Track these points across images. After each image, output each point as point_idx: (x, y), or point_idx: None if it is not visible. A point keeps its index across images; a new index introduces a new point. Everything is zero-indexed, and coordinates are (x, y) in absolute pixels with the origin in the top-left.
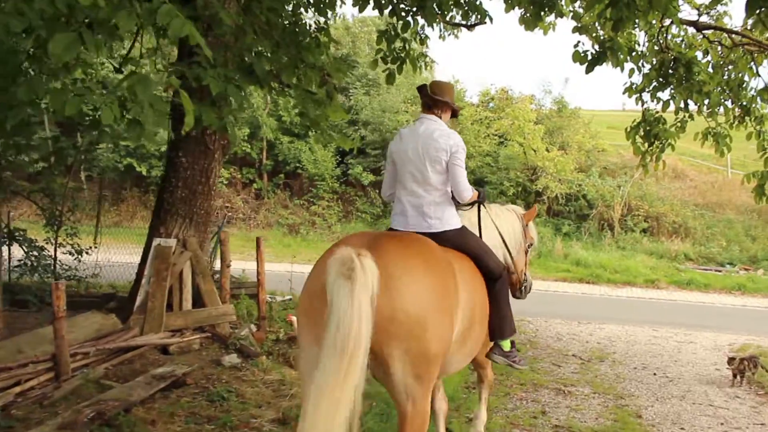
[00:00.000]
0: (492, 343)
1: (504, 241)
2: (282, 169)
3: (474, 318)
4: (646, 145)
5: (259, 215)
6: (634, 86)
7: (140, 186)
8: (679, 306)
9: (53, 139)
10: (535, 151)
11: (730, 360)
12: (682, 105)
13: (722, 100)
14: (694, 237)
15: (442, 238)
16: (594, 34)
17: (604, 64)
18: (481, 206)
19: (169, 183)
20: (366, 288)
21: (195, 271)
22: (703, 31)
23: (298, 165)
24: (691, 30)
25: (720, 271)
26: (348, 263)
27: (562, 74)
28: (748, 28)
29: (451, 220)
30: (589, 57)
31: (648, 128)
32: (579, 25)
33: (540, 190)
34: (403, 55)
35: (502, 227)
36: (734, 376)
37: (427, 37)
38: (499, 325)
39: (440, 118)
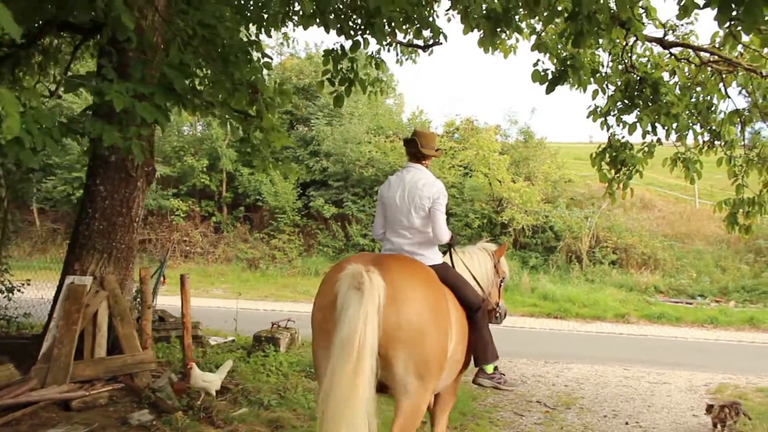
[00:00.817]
0: (477, 369)
1: (475, 278)
2: (242, 202)
3: (460, 338)
4: (613, 172)
5: (218, 249)
6: (598, 109)
7: None
8: (651, 341)
9: None
10: (500, 182)
11: (709, 407)
12: (649, 128)
13: (691, 124)
14: (663, 269)
15: None
16: (555, 53)
17: (566, 84)
18: (453, 249)
19: (86, 214)
20: (373, 299)
21: (113, 313)
22: (670, 49)
23: (258, 197)
24: (657, 49)
25: (691, 304)
26: (358, 277)
27: (529, 105)
28: (717, 46)
29: (434, 256)
30: (550, 76)
31: (614, 154)
32: (538, 42)
33: (506, 222)
34: (351, 76)
35: (473, 267)
36: (714, 426)
37: (382, 61)
38: (482, 351)
39: (426, 166)
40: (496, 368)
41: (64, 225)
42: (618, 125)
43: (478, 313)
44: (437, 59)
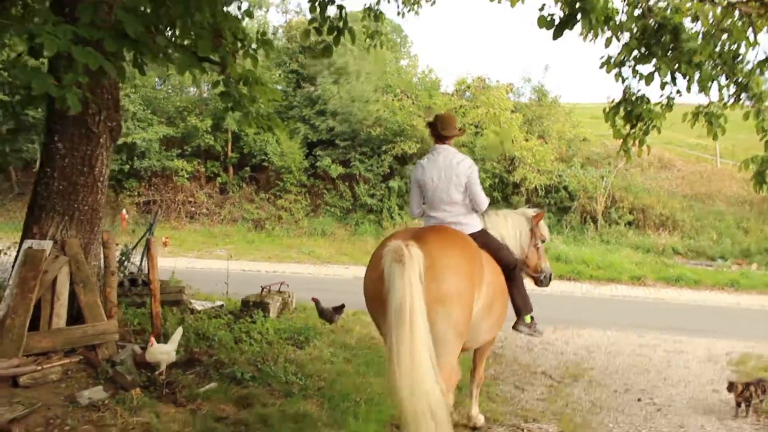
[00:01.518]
0: (516, 318)
1: (504, 239)
2: (248, 162)
3: (495, 295)
4: (628, 127)
5: (223, 210)
6: (612, 59)
7: None
8: (668, 305)
9: None
10: (512, 141)
11: (731, 385)
12: (668, 79)
13: (715, 75)
14: (682, 230)
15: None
16: None
17: (575, 28)
18: (487, 213)
19: (44, 174)
20: (414, 269)
21: (74, 280)
22: None
23: (264, 158)
24: None
25: (711, 266)
26: (399, 251)
27: (544, 63)
28: None
29: (474, 223)
30: (557, 21)
31: (629, 108)
32: None
33: (518, 182)
34: (340, 24)
35: (505, 228)
36: (738, 405)
37: (381, 13)
38: (521, 303)
39: (450, 145)
40: (532, 318)
41: None
42: (634, 77)
43: (514, 271)
44: (450, 17)
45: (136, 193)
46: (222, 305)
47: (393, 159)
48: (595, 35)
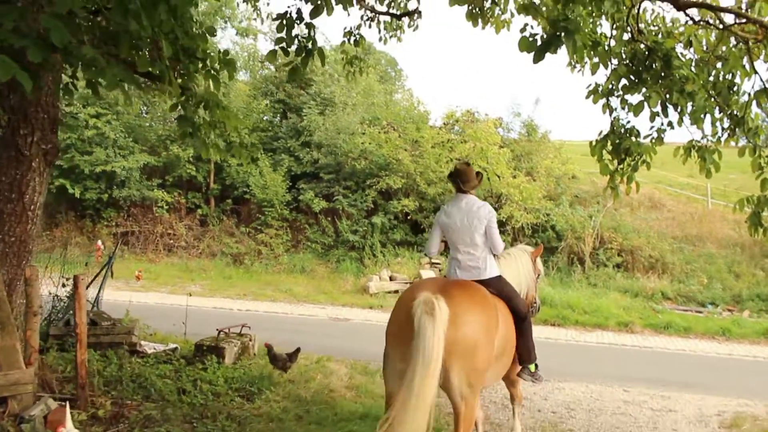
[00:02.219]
0: (520, 367)
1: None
2: (230, 194)
3: (506, 346)
4: (615, 162)
5: (202, 243)
6: (599, 88)
7: (75, 209)
8: (656, 355)
9: None
10: (499, 177)
11: None
12: (658, 109)
13: (709, 107)
14: (672, 273)
15: (487, 283)
16: (543, 15)
17: (559, 51)
18: (500, 254)
19: None
20: (443, 322)
21: None
22: (686, 10)
23: (246, 190)
24: (670, 14)
25: (701, 312)
26: (430, 304)
27: (534, 98)
28: (743, 7)
29: (492, 269)
30: (539, 42)
31: (617, 141)
32: (525, 2)
33: (504, 220)
34: (309, 45)
35: (518, 270)
36: None
37: (362, 37)
38: (526, 353)
39: (472, 193)
40: (536, 366)
41: (46, 215)
42: (622, 108)
43: (524, 323)
44: (440, 49)
45: (114, 224)
46: (176, 348)
47: (377, 194)
48: (580, 59)
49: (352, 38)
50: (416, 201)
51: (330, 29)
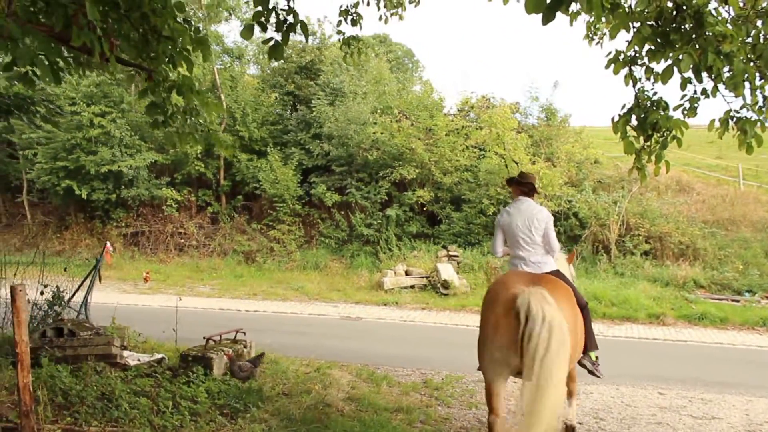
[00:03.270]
0: (582, 355)
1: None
2: (241, 191)
3: (580, 335)
4: (641, 139)
5: (214, 242)
6: (621, 56)
7: (84, 211)
8: (691, 349)
9: None
10: (517, 163)
11: None
12: (690, 74)
13: (750, 70)
14: (704, 260)
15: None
16: None
17: (570, 9)
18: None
19: None
20: (556, 309)
21: None
22: None
23: (257, 185)
24: None
25: (738, 301)
26: (538, 295)
27: (552, 82)
28: None
29: (550, 263)
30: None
31: (643, 115)
32: None
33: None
34: (290, 18)
35: (564, 270)
36: None
37: (359, 16)
38: (589, 340)
39: (531, 197)
40: (597, 357)
41: (56, 218)
42: (647, 78)
43: (585, 311)
44: (455, 37)
45: (123, 224)
46: (162, 359)
47: (391, 185)
48: (597, 18)
49: (349, 17)
50: (432, 191)
51: (331, 11)
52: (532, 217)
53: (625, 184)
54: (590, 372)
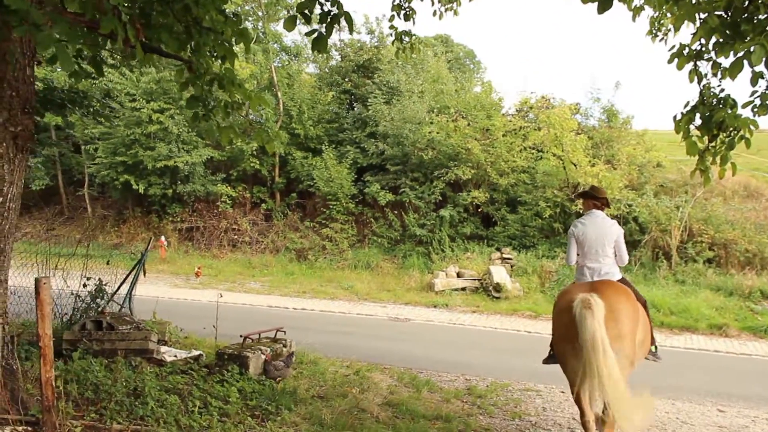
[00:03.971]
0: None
1: None
2: (295, 188)
3: (645, 330)
4: (706, 140)
5: (267, 239)
6: (685, 50)
7: (142, 205)
8: (756, 364)
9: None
10: (575, 165)
11: None
12: (762, 67)
13: None
14: None
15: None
16: None
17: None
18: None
19: None
20: (600, 313)
21: None
22: None
23: (311, 183)
24: None
25: None
26: (587, 301)
27: (614, 83)
28: None
29: (618, 273)
30: None
31: (708, 113)
32: None
33: (581, 212)
34: (334, 8)
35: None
36: None
37: (412, 10)
38: (651, 334)
39: (602, 210)
40: (656, 347)
41: (115, 211)
42: (714, 74)
43: (645, 308)
44: (517, 37)
45: (178, 219)
46: (200, 356)
47: (446, 185)
48: (659, 8)
49: (402, 12)
50: (487, 192)
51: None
52: (606, 231)
53: (689, 189)
54: (653, 360)
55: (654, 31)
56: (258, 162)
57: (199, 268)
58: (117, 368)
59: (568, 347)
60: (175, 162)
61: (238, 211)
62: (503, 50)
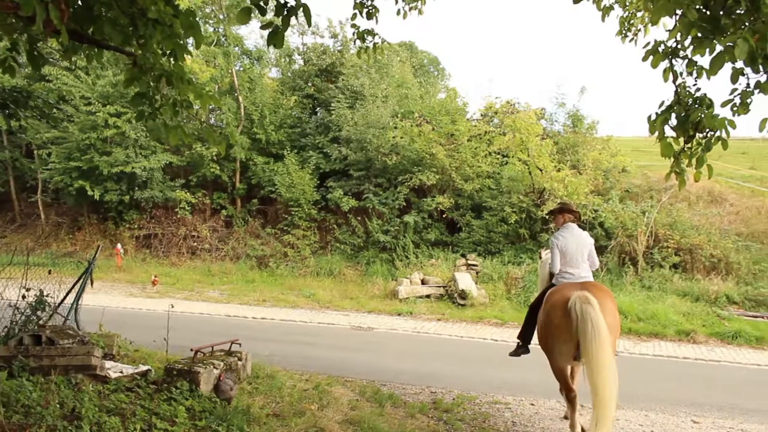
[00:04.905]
0: None
1: None
2: (256, 194)
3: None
4: (681, 141)
5: (227, 246)
6: (661, 46)
7: (98, 212)
8: (725, 370)
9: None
10: (541, 170)
11: None
12: (741, 64)
13: None
14: (737, 274)
15: None
16: None
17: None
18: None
19: None
20: (598, 308)
21: None
22: None
23: (273, 189)
24: None
25: None
26: (586, 298)
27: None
28: None
29: (591, 276)
30: None
31: (684, 113)
32: None
33: (546, 217)
34: (291, 1)
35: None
36: None
37: (375, 8)
38: None
39: (575, 223)
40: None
41: (69, 218)
42: (689, 73)
43: None
44: (480, 42)
45: (136, 226)
46: (147, 371)
47: (410, 191)
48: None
49: (365, 10)
50: (452, 198)
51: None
52: (583, 241)
53: (654, 194)
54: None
55: (624, 31)
56: (218, 168)
57: (155, 277)
58: (50, 388)
59: (561, 336)
60: (132, 167)
61: (198, 218)
62: (468, 58)
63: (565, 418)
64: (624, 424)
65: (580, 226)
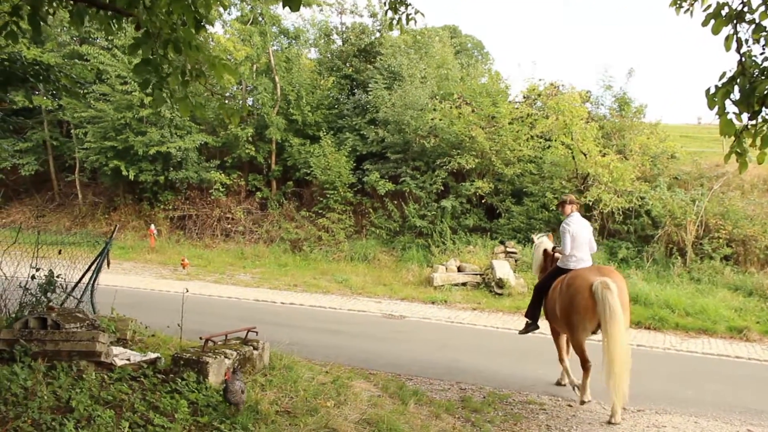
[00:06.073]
0: None
1: None
2: (292, 176)
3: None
4: (745, 117)
5: (261, 228)
6: (723, 9)
7: (133, 192)
8: None
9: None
10: (585, 155)
11: None
12: None
13: None
14: None
15: None
16: None
17: None
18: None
19: None
20: (616, 293)
21: None
22: None
23: (308, 171)
24: None
25: None
26: (605, 283)
27: (627, 70)
28: None
29: (590, 259)
30: None
31: (748, 86)
32: None
33: (590, 204)
34: None
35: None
36: None
37: None
38: None
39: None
40: None
41: (106, 198)
42: (755, 40)
43: None
44: (526, 23)
45: (170, 207)
46: (156, 359)
47: (448, 175)
48: None
49: None
50: (491, 183)
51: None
52: (587, 228)
53: (705, 182)
54: None
55: (678, 1)
56: (254, 149)
57: (184, 259)
58: (35, 377)
59: (587, 315)
60: (167, 148)
61: (232, 200)
62: (512, 41)
63: (574, 387)
64: (671, 430)
65: (627, 211)
